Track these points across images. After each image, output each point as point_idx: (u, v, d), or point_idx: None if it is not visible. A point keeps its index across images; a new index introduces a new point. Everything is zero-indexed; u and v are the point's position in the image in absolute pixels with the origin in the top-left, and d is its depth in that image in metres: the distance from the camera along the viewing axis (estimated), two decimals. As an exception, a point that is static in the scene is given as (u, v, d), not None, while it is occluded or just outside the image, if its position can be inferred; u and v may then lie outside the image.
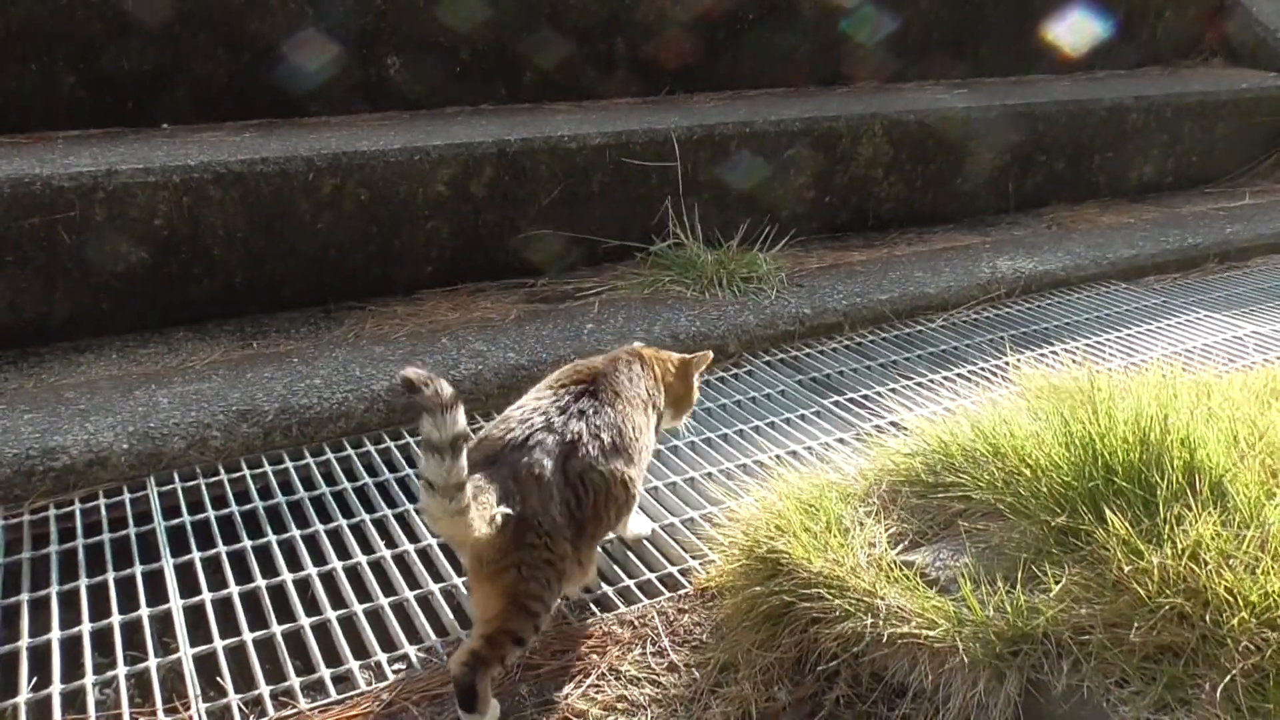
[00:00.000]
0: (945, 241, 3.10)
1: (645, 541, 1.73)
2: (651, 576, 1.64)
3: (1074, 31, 3.97)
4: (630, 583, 1.63)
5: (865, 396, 2.22)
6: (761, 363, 2.40)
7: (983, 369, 2.33)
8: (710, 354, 1.71)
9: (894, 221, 3.18)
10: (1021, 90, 3.62)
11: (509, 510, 1.27)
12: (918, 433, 1.59)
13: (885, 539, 1.44)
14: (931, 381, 2.28)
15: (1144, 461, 1.29)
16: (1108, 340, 2.52)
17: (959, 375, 2.29)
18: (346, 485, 1.90)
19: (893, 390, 2.25)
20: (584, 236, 2.74)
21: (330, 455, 2.00)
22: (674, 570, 1.65)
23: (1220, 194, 3.73)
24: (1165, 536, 1.18)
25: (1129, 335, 2.56)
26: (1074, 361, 2.35)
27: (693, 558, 1.67)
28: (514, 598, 1.30)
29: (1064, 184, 3.48)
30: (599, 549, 1.53)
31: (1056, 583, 1.19)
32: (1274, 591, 1.08)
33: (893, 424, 1.96)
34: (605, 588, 1.62)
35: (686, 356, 1.67)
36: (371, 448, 2.03)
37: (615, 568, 1.67)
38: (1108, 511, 1.21)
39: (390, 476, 1.94)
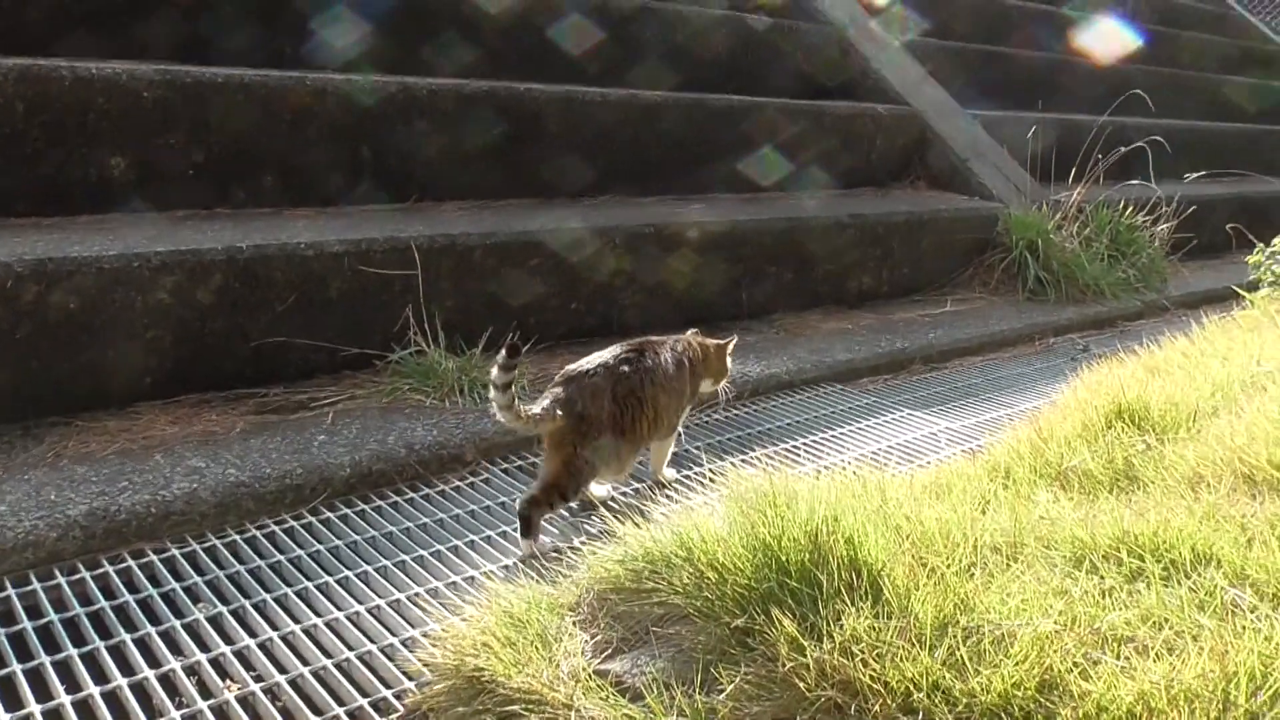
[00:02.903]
0: (683, 347, 3.26)
1: (359, 663, 1.68)
2: (364, 702, 1.59)
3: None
4: (340, 710, 1.57)
5: (599, 501, 2.27)
6: (499, 470, 2.42)
7: (707, 470, 2.45)
8: (735, 337, 2.44)
9: (637, 327, 3.32)
10: (752, 206, 3.93)
11: (559, 410, 1.95)
12: (624, 539, 1.65)
13: (590, 648, 1.47)
14: (660, 484, 2.38)
15: (813, 561, 1.40)
16: (824, 439, 2.73)
17: (685, 477, 2.40)
18: (28, 624, 1.73)
19: (623, 494, 2.32)
20: (321, 345, 2.68)
21: (11, 590, 1.82)
22: (388, 694, 1.60)
23: (927, 302, 4.17)
24: (825, 632, 1.28)
25: (843, 434, 2.78)
26: (789, 461, 2.53)
27: (408, 679, 1.63)
28: (568, 463, 1.97)
29: (791, 293, 3.77)
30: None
31: (732, 682, 1.26)
32: (909, 676, 1.20)
33: (605, 531, 2.02)
34: (313, 719, 1.55)
35: (720, 342, 2.38)
36: (63, 580, 1.87)
37: (325, 695, 1.60)
38: (775, 610, 1.31)
39: (82, 611, 1.79)
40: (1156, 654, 1.21)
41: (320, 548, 2.05)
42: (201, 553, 2.00)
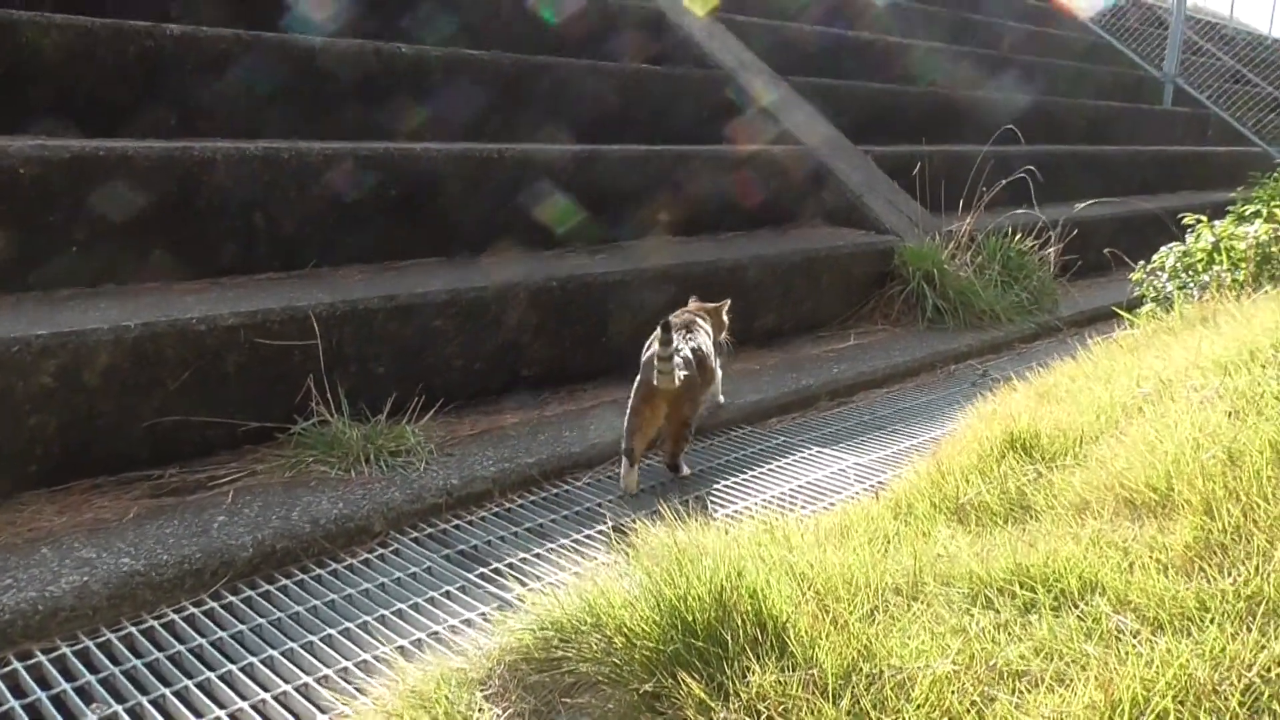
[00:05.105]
0: (594, 398, 3.27)
1: (266, 758, 1.62)
2: (270, 798, 1.54)
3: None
4: (244, 810, 1.51)
5: (510, 565, 2.25)
6: (409, 540, 2.38)
7: (623, 523, 2.45)
8: (729, 300, 3.15)
9: (546, 382, 3.32)
10: (655, 253, 3.97)
11: (686, 373, 2.58)
12: (533, 606, 1.64)
13: (501, 723, 1.45)
14: (575, 543, 2.37)
15: (718, 618, 1.41)
16: (734, 484, 2.75)
17: (600, 533, 2.40)
18: (-98, 744, 1.64)
19: (537, 555, 2.30)
20: (219, 421, 2.61)
21: (-116, 709, 1.72)
22: (295, 788, 1.56)
23: (831, 337, 4.26)
24: (732, 690, 1.29)
25: (752, 477, 2.81)
26: (699, 510, 2.54)
27: (317, 769, 1.58)
28: (685, 418, 2.68)
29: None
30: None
31: (642, 751, 1.26)
32: (815, 732, 1.21)
33: (518, 597, 2.00)
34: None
35: (717, 305, 3.09)
36: (-59, 692, 1.77)
37: (228, 795, 1.55)
38: (682, 672, 1.31)
39: (-37, 725, 1.69)
40: (1048, 686, 1.25)
41: (223, 634, 1.98)
42: (95, 649, 1.92)
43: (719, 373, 3.08)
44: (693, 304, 3.07)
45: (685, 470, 2.78)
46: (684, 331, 2.78)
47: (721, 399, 3.23)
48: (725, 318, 3.12)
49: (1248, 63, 10.52)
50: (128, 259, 2.92)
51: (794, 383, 3.54)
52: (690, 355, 2.67)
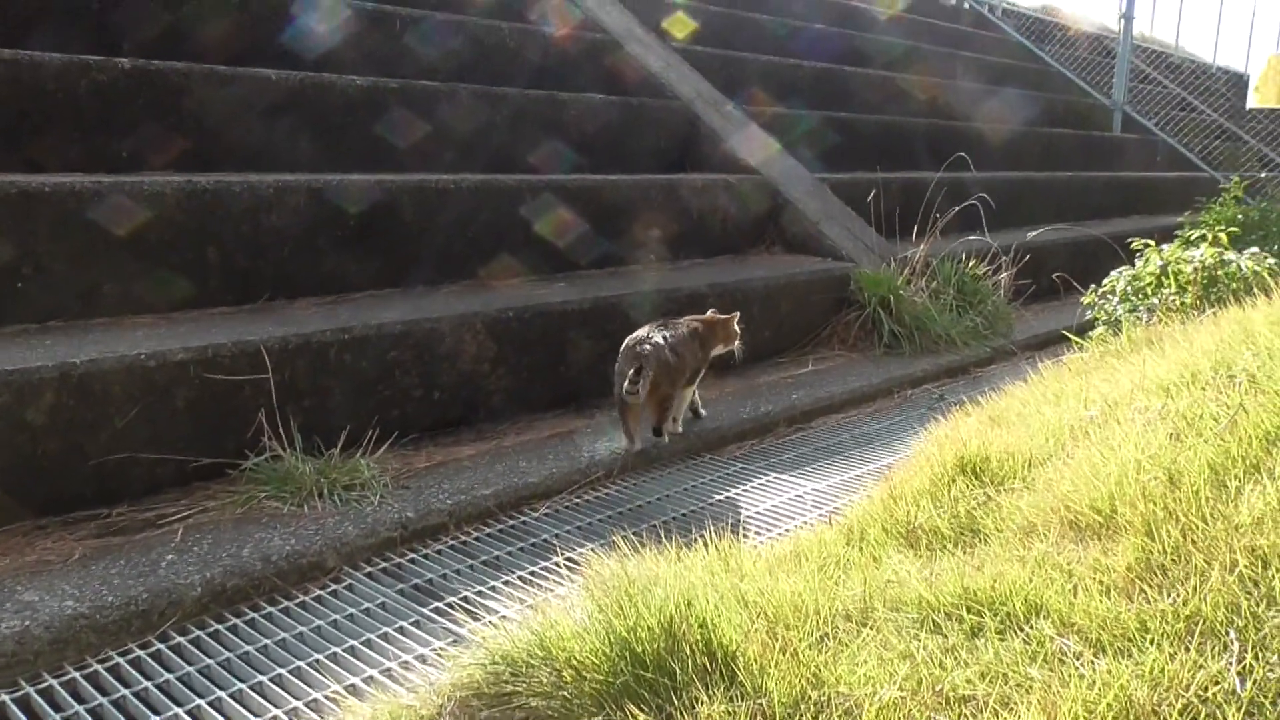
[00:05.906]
0: (552, 428, 3.26)
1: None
2: (214, 845, 1.50)
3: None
4: None
5: (465, 599, 2.23)
6: (363, 575, 2.35)
7: (578, 554, 2.43)
8: (739, 312, 3.36)
9: (504, 413, 3.31)
10: (615, 281, 3.99)
11: (651, 373, 2.85)
12: (485, 640, 1.62)
13: (451, 761, 1.43)
14: (531, 575, 2.35)
15: (668, 649, 1.41)
16: (690, 512, 2.75)
17: (555, 565, 2.38)
18: None
19: (493, 588, 2.29)
20: (169, 457, 2.57)
21: None
22: (240, 832, 1.52)
23: (790, 363, 4.29)
24: (680, 723, 1.28)
25: (710, 505, 2.81)
26: (654, 540, 2.54)
27: (263, 813, 1.55)
28: (663, 405, 3.02)
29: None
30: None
31: (590, 786, 1.25)
32: (762, 763, 1.21)
33: (471, 631, 1.98)
34: None
35: (725, 316, 3.30)
36: (-127, 743, 1.72)
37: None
38: (630, 705, 1.30)
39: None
40: (993, 710, 1.26)
41: (169, 676, 1.94)
42: (35, 695, 1.87)
43: (692, 380, 3.24)
44: (710, 315, 3.30)
45: (665, 438, 3.13)
46: (658, 327, 3.05)
47: (703, 412, 3.43)
48: (736, 328, 3.33)
49: (1193, 90, 10.81)
50: (76, 295, 2.88)
51: (753, 410, 3.55)
52: (658, 345, 2.95)
